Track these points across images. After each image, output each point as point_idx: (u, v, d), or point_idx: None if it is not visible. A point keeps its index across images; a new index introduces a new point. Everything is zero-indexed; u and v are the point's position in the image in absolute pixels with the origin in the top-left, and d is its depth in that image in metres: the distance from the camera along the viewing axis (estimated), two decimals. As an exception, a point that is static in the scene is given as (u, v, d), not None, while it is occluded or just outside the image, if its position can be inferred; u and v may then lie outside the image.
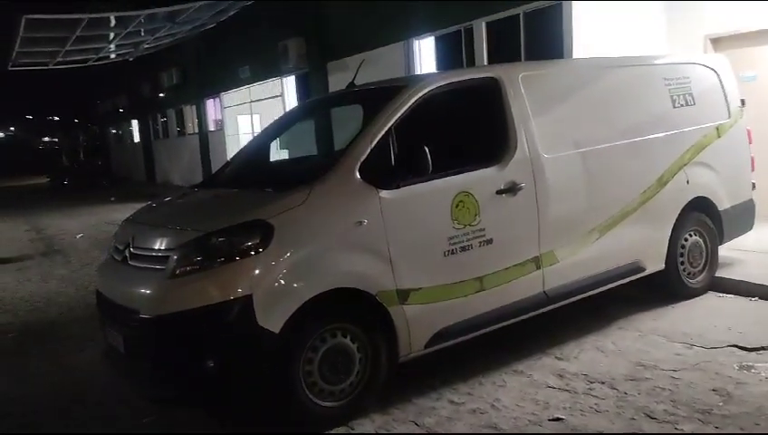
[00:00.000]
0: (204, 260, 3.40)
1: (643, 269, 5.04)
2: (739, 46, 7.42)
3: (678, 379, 3.89)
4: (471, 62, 9.97)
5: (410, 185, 3.82)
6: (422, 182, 3.85)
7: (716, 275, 5.57)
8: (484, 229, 4.09)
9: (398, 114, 3.93)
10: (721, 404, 3.53)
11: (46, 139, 62.36)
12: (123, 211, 12.11)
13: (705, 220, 5.47)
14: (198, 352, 3.35)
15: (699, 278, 5.45)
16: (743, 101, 5.84)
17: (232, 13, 15.61)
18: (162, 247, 3.66)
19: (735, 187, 5.70)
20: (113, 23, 15.33)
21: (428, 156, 3.73)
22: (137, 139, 29.47)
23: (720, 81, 5.71)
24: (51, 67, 19.00)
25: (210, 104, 20.63)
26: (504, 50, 9.41)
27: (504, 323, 4.26)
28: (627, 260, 4.93)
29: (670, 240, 5.18)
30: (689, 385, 3.79)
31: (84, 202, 19.98)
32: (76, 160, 36.68)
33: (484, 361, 4.34)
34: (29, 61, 18.02)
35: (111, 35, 16.60)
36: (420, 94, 4.06)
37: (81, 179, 30.22)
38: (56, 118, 61.36)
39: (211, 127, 20.73)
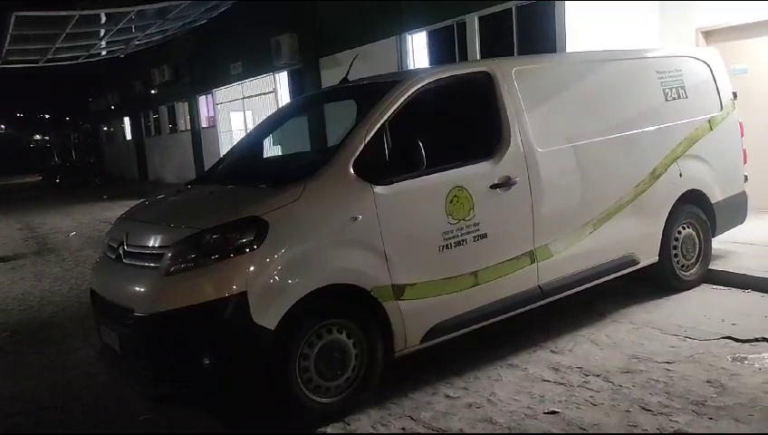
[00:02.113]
0: (198, 257, 3.39)
1: (637, 262, 5.06)
2: (731, 39, 7.45)
3: (673, 371, 3.91)
4: (464, 57, 9.96)
5: (404, 180, 3.82)
6: (416, 177, 3.85)
7: (710, 267, 5.60)
8: (478, 224, 4.09)
9: (392, 109, 3.92)
10: (715, 396, 3.55)
11: (38, 137, 62.05)
12: (116, 209, 12.10)
13: (698, 213, 5.49)
14: (194, 350, 3.35)
15: (693, 271, 5.47)
16: (734, 94, 5.86)
17: (223, 9, 15.55)
18: (156, 245, 3.65)
19: (728, 179, 5.72)
20: (103, 19, 15.24)
21: (422, 151, 3.73)
22: (129, 136, 29.36)
23: (712, 74, 5.73)
24: (41, 65, 18.87)
25: (202, 101, 20.57)
26: (496, 44, 9.41)
27: (499, 318, 4.28)
28: (621, 253, 4.95)
29: (663, 233, 5.20)
30: (683, 377, 3.81)
31: (77, 200, 19.92)
32: (68, 159, 36.59)
33: (480, 355, 4.36)
34: (19, 58, 17.90)
35: (102, 32, 16.51)
36: (414, 89, 4.06)
37: (74, 177, 30.15)
38: (47, 116, 61.01)
39: (204, 124, 20.67)
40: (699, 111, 5.51)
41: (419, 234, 3.91)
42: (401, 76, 4.53)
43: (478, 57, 9.67)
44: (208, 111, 20.42)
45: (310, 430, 3.59)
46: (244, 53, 16.58)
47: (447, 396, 3.87)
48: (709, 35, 7.65)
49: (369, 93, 4.32)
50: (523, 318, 4.49)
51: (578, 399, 3.67)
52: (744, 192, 5.90)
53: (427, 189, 3.93)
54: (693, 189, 5.39)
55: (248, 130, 15.01)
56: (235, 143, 6.04)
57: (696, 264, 5.50)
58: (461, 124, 4.46)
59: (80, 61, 19.65)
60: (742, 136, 5.87)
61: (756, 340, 4.28)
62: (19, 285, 8.27)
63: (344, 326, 3.65)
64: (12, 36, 14.73)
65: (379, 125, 3.85)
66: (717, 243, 5.84)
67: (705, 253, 5.55)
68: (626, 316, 4.94)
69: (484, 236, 4.13)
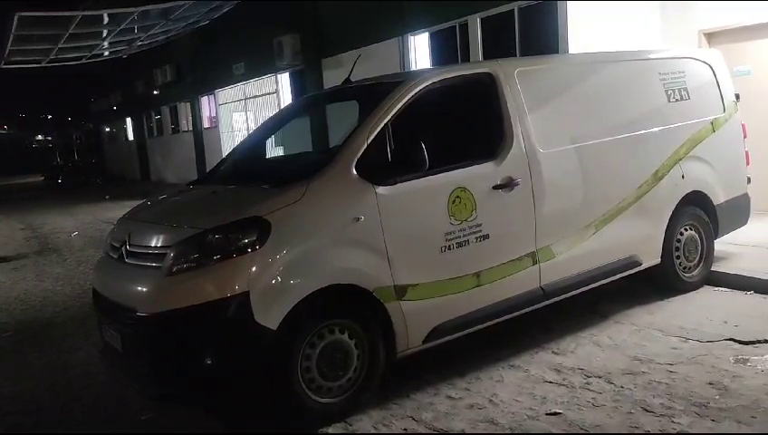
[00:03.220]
0: (201, 257, 3.39)
1: (639, 263, 5.06)
2: (733, 41, 7.44)
3: (675, 372, 3.90)
4: (466, 58, 9.96)
5: (407, 181, 3.82)
6: (419, 178, 3.85)
7: (712, 268, 5.59)
8: (480, 225, 4.09)
9: (395, 110, 3.92)
10: (717, 397, 3.55)
11: (40, 137, 62.16)
12: (118, 209, 12.11)
13: (701, 214, 5.48)
14: (196, 350, 3.35)
15: (695, 272, 5.46)
16: (737, 96, 5.86)
17: (226, 9, 15.56)
18: (159, 245, 3.65)
19: (730, 181, 5.71)
20: (106, 20, 15.25)
21: (425, 152, 3.73)
22: (131, 137, 29.40)
23: (714, 75, 5.72)
24: (44, 65, 18.90)
25: (205, 101, 20.58)
26: (499, 45, 9.41)
27: (502, 319, 4.27)
28: (623, 255, 4.94)
29: (666, 234, 5.19)
30: (686, 379, 3.80)
31: (79, 200, 19.95)
32: (70, 159, 36.65)
33: (482, 356, 4.35)
34: (22, 59, 17.93)
35: (105, 33, 16.52)
36: (416, 90, 4.06)
37: (76, 178, 30.20)
38: (50, 116, 61.10)
39: (206, 124, 20.68)
40: (702, 112, 5.51)
41: (422, 234, 3.91)
42: (404, 77, 4.52)
43: (481, 58, 9.66)
44: (210, 112, 20.43)
45: (311, 431, 3.59)
46: (247, 54, 16.59)
47: (449, 397, 3.86)
48: (711, 37, 7.65)
49: (371, 94, 4.32)
50: (525, 319, 4.49)
51: (580, 400, 3.66)
52: (746, 194, 5.89)
53: (430, 190, 3.93)
54: (695, 191, 5.39)
55: (250, 131, 15.06)
56: (237, 144, 6.04)
57: (698, 265, 5.49)
58: (463, 125, 4.46)
59: (82, 61, 19.67)
60: (744, 138, 5.86)
61: (759, 342, 4.27)
62: (21, 284, 8.27)
63: (346, 327, 3.65)
64: (15, 36, 14.75)
65: (381, 126, 3.85)
66: (720, 245, 5.82)
67: (708, 254, 5.55)
68: (628, 318, 4.93)
69: (487, 236, 4.13)
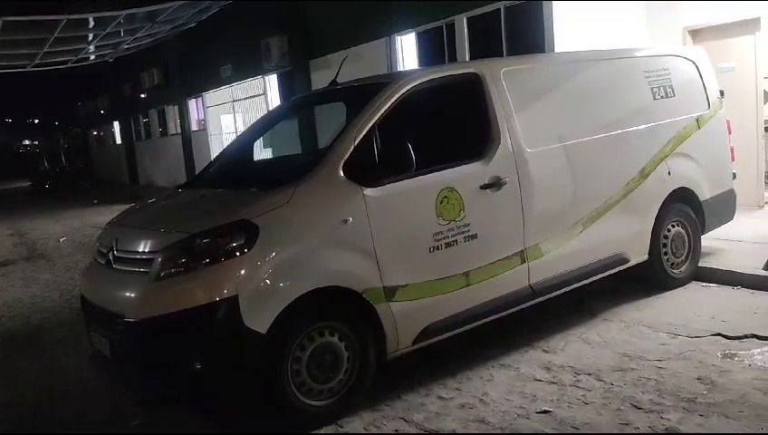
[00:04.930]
0: (189, 262, 3.39)
1: (627, 260, 5.09)
2: (717, 38, 7.49)
3: (663, 368, 3.93)
4: (453, 58, 9.97)
5: (395, 182, 3.82)
6: (406, 179, 3.85)
7: (699, 264, 5.63)
8: (468, 225, 4.10)
9: (382, 111, 3.93)
10: (705, 393, 3.57)
11: (27, 142, 61.64)
12: (106, 214, 12.04)
13: (687, 211, 5.52)
14: (185, 355, 3.34)
15: (682, 268, 5.50)
16: (721, 93, 5.90)
17: (213, 12, 15.50)
18: (147, 250, 3.63)
19: (716, 177, 5.76)
20: (92, 23, 15.15)
21: (411, 153, 3.73)
22: (119, 140, 29.22)
23: (699, 72, 5.76)
24: (30, 69, 18.75)
25: (192, 104, 20.48)
26: (485, 45, 9.43)
27: (491, 318, 4.28)
28: (611, 252, 4.97)
29: (653, 231, 5.23)
30: (674, 374, 3.83)
31: (67, 205, 19.81)
32: (58, 163, 36.38)
33: (472, 355, 4.36)
34: (7, 63, 17.77)
35: (90, 36, 16.42)
36: (403, 91, 4.07)
37: (63, 182, 29.97)
38: (36, 120, 60.58)
39: (194, 127, 20.58)
40: (687, 109, 5.55)
41: (410, 235, 3.92)
42: (390, 78, 4.54)
43: (467, 58, 9.68)
44: (198, 115, 20.33)
45: (303, 432, 3.59)
46: (234, 56, 16.53)
47: (440, 397, 3.87)
48: (696, 34, 7.70)
49: (358, 95, 4.32)
50: (514, 318, 4.50)
51: (570, 398, 3.68)
52: (732, 190, 5.94)
53: (417, 191, 3.93)
54: (682, 187, 5.42)
55: (238, 133, 15.01)
56: (225, 146, 6.03)
57: (685, 261, 5.53)
58: (450, 125, 4.46)
59: (68, 65, 19.53)
60: (729, 134, 5.90)
61: (746, 336, 4.31)
62: (9, 291, 8.21)
63: (336, 329, 3.65)
64: (-1, 41, 14.65)
65: (368, 127, 3.85)
66: (706, 240, 5.86)
67: (695, 250, 5.59)
68: (617, 315, 4.96)
69: (475, 236, 4.14)
